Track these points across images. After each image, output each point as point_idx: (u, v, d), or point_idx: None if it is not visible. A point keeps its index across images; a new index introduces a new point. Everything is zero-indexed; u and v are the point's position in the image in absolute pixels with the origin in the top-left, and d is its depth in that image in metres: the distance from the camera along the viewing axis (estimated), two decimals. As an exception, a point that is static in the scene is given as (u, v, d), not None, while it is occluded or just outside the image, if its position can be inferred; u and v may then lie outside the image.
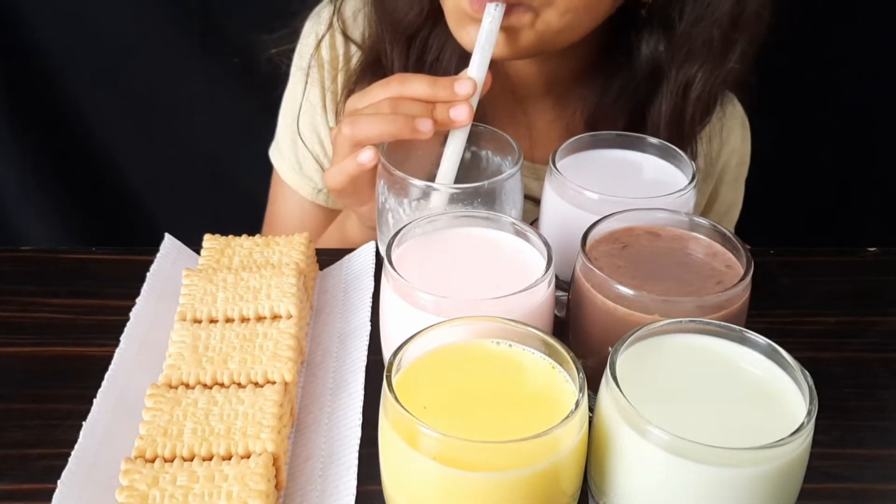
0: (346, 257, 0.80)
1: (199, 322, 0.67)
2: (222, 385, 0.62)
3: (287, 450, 0.61)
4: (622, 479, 0.50)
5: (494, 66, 0.74)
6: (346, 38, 0.93)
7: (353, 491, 0.57)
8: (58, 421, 0.63)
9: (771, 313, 0.72)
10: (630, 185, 0.72)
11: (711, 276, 0.62)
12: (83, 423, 0.60)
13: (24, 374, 0.68)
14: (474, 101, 0.72)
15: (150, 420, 0.58)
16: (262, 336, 0.65)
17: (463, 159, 0.74)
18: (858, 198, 1.36)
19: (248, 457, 0.56)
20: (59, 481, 0.56)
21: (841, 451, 0.64)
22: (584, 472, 0.52)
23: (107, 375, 0.64)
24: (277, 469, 0.57)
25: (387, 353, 0.62)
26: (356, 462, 0.59)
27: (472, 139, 0.74)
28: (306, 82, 0.95)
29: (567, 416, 0.47)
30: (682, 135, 0.87)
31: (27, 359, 0.70)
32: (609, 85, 0.90)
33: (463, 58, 0.84)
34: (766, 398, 0.51)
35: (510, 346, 0.54)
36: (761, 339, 0.53)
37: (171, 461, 0.56)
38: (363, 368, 0.67)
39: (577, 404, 0.48)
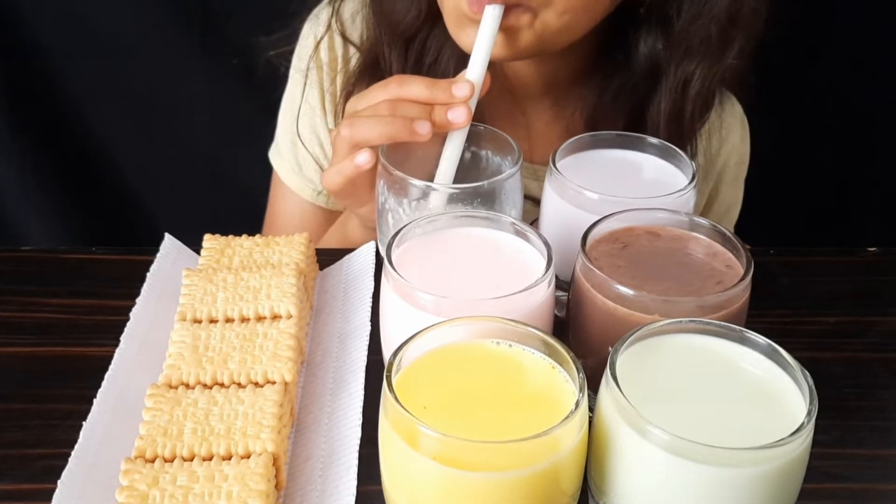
0: (346, 257, 0.80)
1: (199, 322, 0.67)
2: (222, 385, 0.62)
3: (287, 450, 0.61)
4: (622, 479, 0.50)
5: (493, 66, 0.74)
6: (345, 39, 0.93)
7: (353, 491, 0.57)
8: (58, 421, 0.63)
9: (771, 313, 0.72)
10: (630, 185, 0.72)
11: (711, 276, 0.62)
12: (83, 423, 0.60)
13: (24, 374, 0.68)
14: (473, 103, 0.72)
15: (150, 420, 0.58)
16: (262, 336, 0.65)
17: (463, 159, 0.74)
18: (858, 198, 1.36)
19: (248, 457, 0.56)
20: (59, 481, 0.56)
21: (841, 451, 0.64)
22: (584, 472, 0.52)
23: (107, 375, 0.64)
24: (277, 469, 0.57)
25: (387, 353, 0.62)
26: (356, 462, 0.59)
27: (472, 139, 0.74)
28: (305, 84, 0.95)
29: (567, 416, 0.47)
30: (681, 132, 0.87)
31: (27, 359, 0.70)
32: (608, 84, 0.90)
33: (461, 59, 0.84)
34: (766, 398, 0.51)
35: (510, 346, 0.54)
36: (761, 339, 0.53)
37: (171, 461, 0.56)
38: (363, 368, 0.67)
39: (577, 404, 0.48)
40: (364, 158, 0.72)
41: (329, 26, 0.94)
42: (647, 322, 0.54)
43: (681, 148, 0.74)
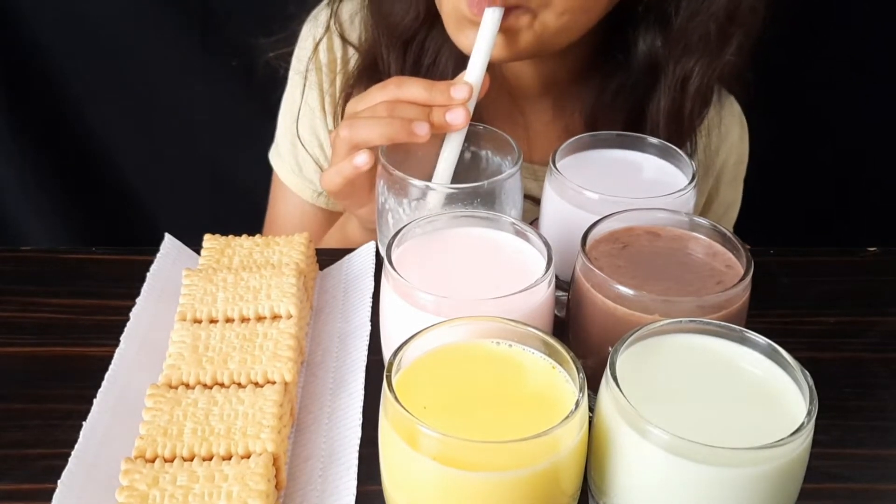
0: (346, 257, 0.80)
1: (199, 322, 0.67)
2: (222, 385, 0.62)
3: (287, 450, 0.61)
4: (622, 479, 0.50)
5: (491, 67, 0.74)
6: (344, 40, 0.93)
7: (353, 491, 0.57)
8: (58, 421, 0.63)
9: (771, 313, 0.72)
10: (630, 185, 0.72)
11: (711, 276, 0.62)
12: (83, 423, 0.60)
13: (24, 374, 0.68)
14: (472, 105, 0.72)
15: (150, 420, 0.58)
16: (262, 336, 0.65)
17: (463, 159, 0.74)
18: (858, 198, 1.36)
19: (248, 457, 0.56)
20: (59, 481, 0.56)
21: (841, 451, 0.64)
22: (584, 472, 0.52)
23: (107, 375, 0.64)
24: (277, 469, 0.57)
25: (387, 353, 0.62)
26: (356, 462, 0.59)
27: (472, 139, 0.74)
28: (304, 85, 0.95)
29: (567, 416, 0.47)
30: (680, 130, 0.88)
31: (27, 359, 0.70)
32: (607, 83, 0.90)
33: (460, 61, 0.84)
34: (766, 398, 0.51)
35: (510, 346, 0.54)
36: (761, 339, 0.53)
37: (171, 461, 0.56)
38: (363, 368, 0.67)
39: (577, 404, 0.48)
40: (363, 160, 0.72)
41: (328, 28, 0.94)
42: (647, 322, 0.54)
43: (680, 145, 0.74)
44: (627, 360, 0.52)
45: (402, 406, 0.47)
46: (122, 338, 0.68)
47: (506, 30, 0.76)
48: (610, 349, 0.52)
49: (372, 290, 0.74)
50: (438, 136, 0.72)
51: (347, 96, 0.90)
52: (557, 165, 0.71)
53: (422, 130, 0.70)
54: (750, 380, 0.52)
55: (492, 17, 0.73)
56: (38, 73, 1.25)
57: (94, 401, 0.62)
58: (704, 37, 0.83)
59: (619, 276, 0.60)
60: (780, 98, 1.16)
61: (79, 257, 0.81)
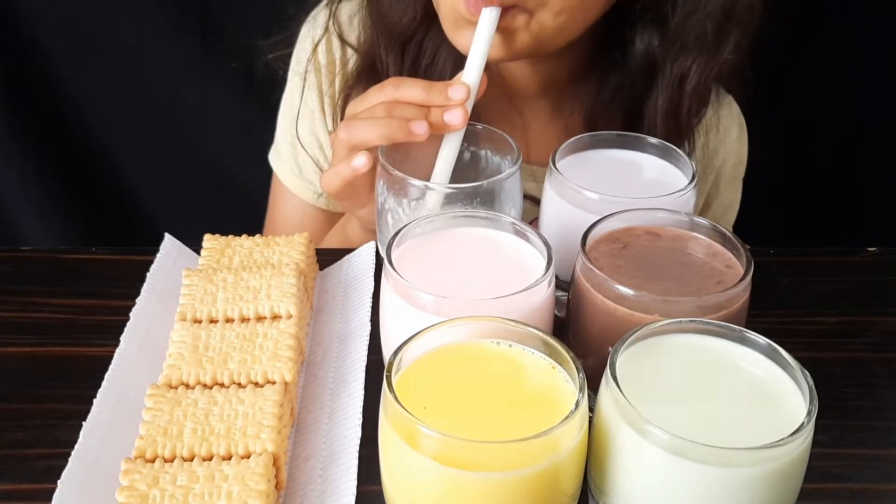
0: (346, 257, 0.80)
1: (199, 322, 0.67)
2: (222, 385, 0.62)
3: (287, 450, 0.61)
4: (622, 479, 0.50)
5: (489, 68, 0.74)
6: (343, 41, 0.94)
7: (353, 491, 0.57)
8: (58, 421, 0.63)
9: (771, 313, 0.72)
10: (630, 185, 0.72)
11: (711, 276, 0.62)
12: (83, 423, 0.60)
13: (24, 374, 0.68)
14: (469, 105, 0.72)
15: (150, 420, 0.58)
16: (262, 336, 0.65)
17: (462, 159, 0.74)
18: (858, 198, 1.36)
19: (248, 457, 0.56)
20: (59, 481, 0.56)
21: (841, 451, 0.64)
22: (584, 472, 0.52)
23: (107, 375, 0.64)
24: (277, 469, 0.57)
25: (387, 353, 0.62)
26: (356, 462, 0.59)
27: (472, 139, 0.74)
28: (304, 87, 0.95)
29: (567, 416, 0.47)
30: (678, 128, 0.88)
31: (27, 359, 0.70)
32: (604, 83, 0.90)
33: (458, 61, 0.84)
34: (766, 398, 0.51)
35: (510, 346, 0.54)
36: (761, 339, 0.53)
37: (171, 461, 0.56)
38: (363, 368, 0.67)
39: (577, 404, 0.48)
40: (361, 161, 0.72)
41: (327, 29, 0.94)
42: (647, 322, 0.54)
43: (678, 145, 0.74)
44: (627, 360, 0.52)
45: (402, 406, 0.47)
46: (122, 338, 0.68)
47: (503, 29, 0.76)
48: (610, 349, 0.52)
49: (372, 290, 0.74)
50: (437, 135, 0.72)
51: (346, 97, 0.90)
52: (557, 165, 0.71)
53: (420, 129, 0.70)
54: (750, 380, 0.52)
55: (489, 17, 0.73)
56: (38, 73, 1.25)
57: (94, 401, 0.62)
58: (701, 35, 0.83)
59: (619, 276, 0.60)
60: (780, 97, 1.16)
61: (79, 257, 0.81)
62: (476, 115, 0.74)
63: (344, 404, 0.64)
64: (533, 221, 0.73)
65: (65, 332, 0.72)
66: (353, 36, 0.93)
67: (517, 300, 0.57)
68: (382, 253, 0.72)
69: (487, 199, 0.68)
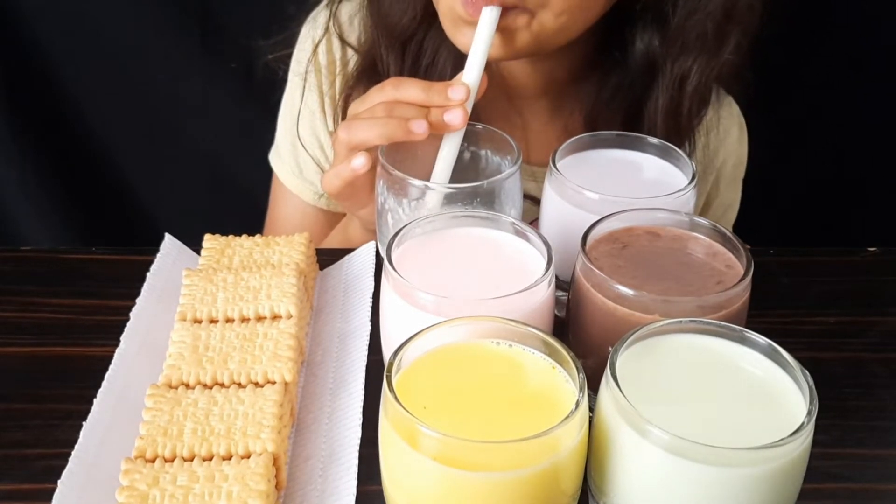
0: (346, 257, 0.80)
1: (199, 322, 0.67)
2: (222, 385, 0.62)
3: (287, 450, 0.61)
4: (622, 479, 0.50)
5: (489, 68, 0.74)
6: (343, 42, 0.93)
7: (353, 491, 0.57)
8: (58, 421, 0.63)
9: (771, 313, 0.72)
10: (630, 185, 0.72)
11: (711, 275, 0.62)
12: (83, 423, 0.60)
13: (24, 374, 0.68)
14: (469, 105, 0.72)
15: (150, 420, 0.58)
16: (262, 336, 0.65)
17: (462, 159, 0.74)
18: (858, 198, 1.36)
19: (249, 457, 0.56)
20: (59, 481, 0.56)
21: (841, 451, 0.64)
22: (584, 472, 0.52)
23: (107, 375, 0.64)
24: (277, 469, 0.57)
25: (387, 353, 0.62)
26: (356, 462, 0.59)
27: (472, 139, 0.74)
28: (304, 87, 0.95)
29: (567, 416, 0.47)
30: (679, 129, 0.88)
31: (27, 359, 0.70)
32: (605, 82, 0.90)
33: (458, 60, 0.84)
34: (766, 398, 0.51)
35: (510, 346, 0.54)
36: (761, 339, 0.53)
37: (172, 461, 0.56)
38: (363, 368, 0.67)
39: (577, 404, 0.48)
40: (360, 162, 0.72)
41: (327, 29, 0.94)
42: (647, 322, 0.54)
43: (679, 145, 0.74)
44: (627, 360, 0.52)
45: (402, 406, 0.47)
46: (122, 338, 0.68)
47: (503, 29, 0.76)
48: (610, 349, 0.52)
49: (372, 290, 0.74)
50: (437, 135, 0.72)
51: (347, 97, 0.90)
52: (557, 165, 0.71)
53: (419, 128, 0.70)
54: (750, 380, 0.52)
55: (489, 17, 0.73)
56: (38, 73, 1.25)
57: (94, 401, 0.62)
58: (702, 35, 0.83)
59: (619, 276, 0.60)
60: (780, 97, 1.16)
61: (79, 257, 0.81)
62: (476, 114, 0.74)
63: (344, 404, 0.64)
64: (533, 221, 0.73)
65: (65, 332, 0.72)
66: (353, 36, 0.93)
67: (517, 300, 0.57)
68: (382, 253, 0.72)
69: (487, 199, 0.68)
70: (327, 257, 0.80)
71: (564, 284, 0.66)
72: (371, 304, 0.73)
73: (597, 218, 0.64)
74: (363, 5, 0.91)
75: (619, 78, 0.89)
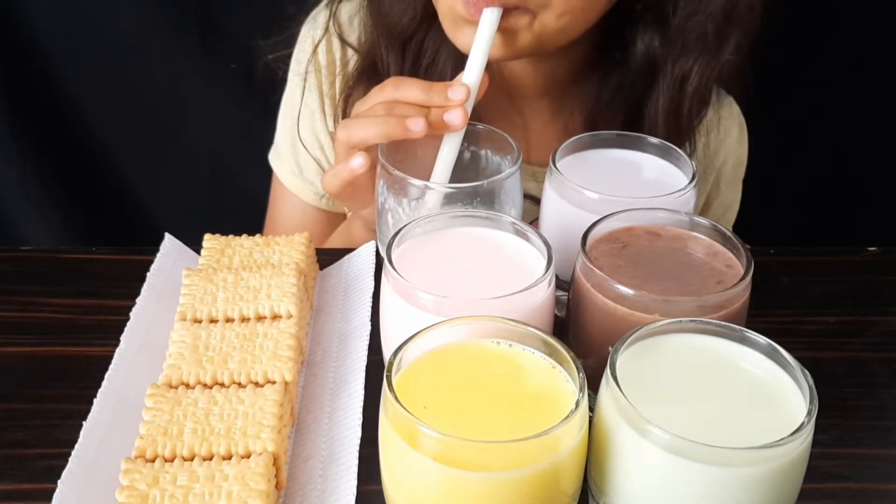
0: (346, 257, 0.80)
1: (200, 322, 0.67)
2: (222, 385, 0.62)
3: (287, 450, 0.61)
4: (622, 479, 0.50)
5: (490, 67, 0.74)
6: (343, 42, 0.93)
7: (353, 491, 0.57)
8: (58, 421, 0.63)
9: (771, 313, 0.72)
10: (630, 185, 0.72)
11: (711, 275, 0.62)
12: (83, 423, 0.60)
13: (24, 374, 0.68)
14: (470, 105, 0.72)
15: (151, 420, 0.58)
16: (262, 336, 0.65)
17: (462, 159, 0.74)
18: (858, 198, 1.36)
19: (249, 456, 0.56)
20: (59, 481, 0.56)
21: (841, 451, 0.64)
22: (584, 472, 0.52)
23: (107, 375, 0.64)
24: (277, 469, 0.57)
25: (387, 353, 0.62)
26: (356, 462, 0.59)
27: (472, 139, 0.74)
28: (304, 87, 0.95)
29: (567, 416, 0.47)
30: (679, 129, 0.88)
31: (27, 359, 0.70)
32: (605, 83, 0.90)
33: (458, 60, 0.84)
34: (766, 398, 0.51)
35: (510, 346, 0.54)
36: (761, 339, 0.53)
37: (172, 461, 0.56)
38: (363, 368, 0.67)
39: (577, 404, 0.48)
40: (358, 162, 0.72)
41: (327, 29, 0.94)
42: (647, 322, 0.54)
43: (679, 145, 0.74)
44: (627, 360, 0.52)
45: (402, 406, 0.47)
46: (122, 338, 0.68)
47: (504, 30, 0.76)
48: (610, 349, 0.52)
49: (372, 290, 0.74)
50: (437, 135, 0.72)
51: (347, 98, 0.90)
52: (557, 165, 0.71)
53: (417, 126, 0.70)
54: (750, 380, 0.52)
55: (490, 18, 0.73)
56: (38, 73, 1.25)
57: (94, 401, 0.62)
58: (702, 36, 0.83)
59: (619, 276, 0.60)
60: (780, 98, 1.16)
61: (79, 257, 0.81)
62: (476, 114, 0.74)
63: (344, 404, 0.64)
64: (533, 221, 0.73)
65: (65, 332, 0.72)
66: (353, 36, 0.93)
67: (517, 300, 0.57)
68: (382, 253, 0.72)
69: (487, 199, 0.68)
70: (327, 257, 0.80)
71: (564, 284, 0.66)
72: (371, 304, 0.73)
73: (597, 218, 0.64)
74: (363, 5, 0.91)
75: (620, 78, 0.89)
